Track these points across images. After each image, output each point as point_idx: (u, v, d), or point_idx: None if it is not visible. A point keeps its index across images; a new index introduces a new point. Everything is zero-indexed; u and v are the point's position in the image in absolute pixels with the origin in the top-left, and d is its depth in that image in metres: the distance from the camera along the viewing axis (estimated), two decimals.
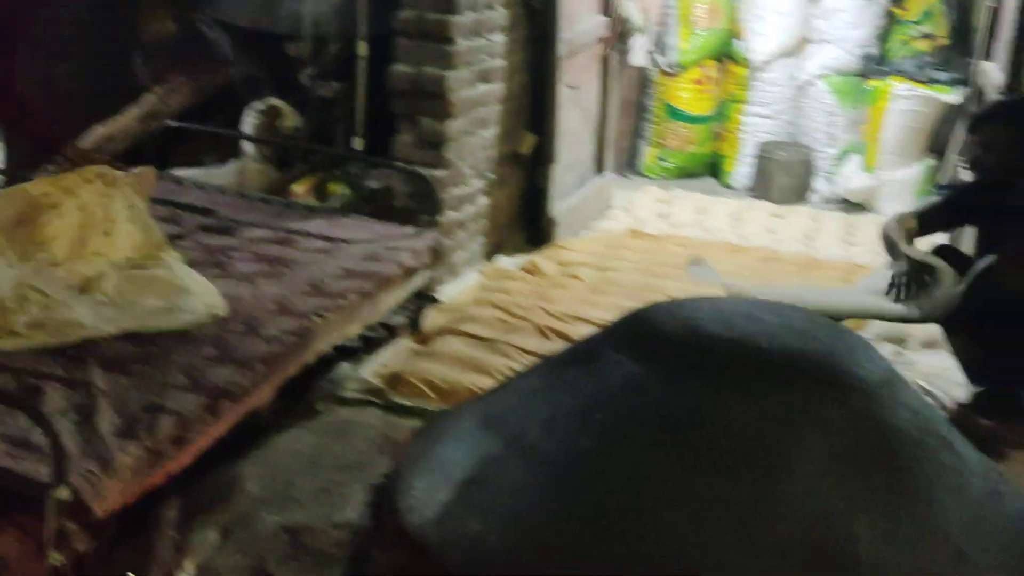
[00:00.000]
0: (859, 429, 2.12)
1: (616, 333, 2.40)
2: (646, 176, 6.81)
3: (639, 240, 5.37)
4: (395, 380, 3.53)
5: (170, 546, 2.54)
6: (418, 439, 2.53)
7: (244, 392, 2.68)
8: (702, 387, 2.16)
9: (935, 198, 3.90)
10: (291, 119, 4.81)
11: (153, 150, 4.42)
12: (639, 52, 6.09)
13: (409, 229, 3.90)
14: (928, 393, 3.74)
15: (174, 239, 3.51)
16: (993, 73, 4.82)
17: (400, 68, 4.17)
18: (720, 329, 2.27)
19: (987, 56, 5.11)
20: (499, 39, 4.51)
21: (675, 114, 6.68)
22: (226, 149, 4.91)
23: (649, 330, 2.34)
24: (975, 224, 3.78)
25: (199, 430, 2.49)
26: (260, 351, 2.80)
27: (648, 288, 4.45)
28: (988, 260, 3.37)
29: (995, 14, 5.03)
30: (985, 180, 3.55)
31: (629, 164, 6.87)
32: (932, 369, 3.97)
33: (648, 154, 6.84)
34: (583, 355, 2.41)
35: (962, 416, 3.48)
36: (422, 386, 3.48)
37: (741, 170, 6.69)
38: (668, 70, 6.60)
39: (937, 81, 6.02)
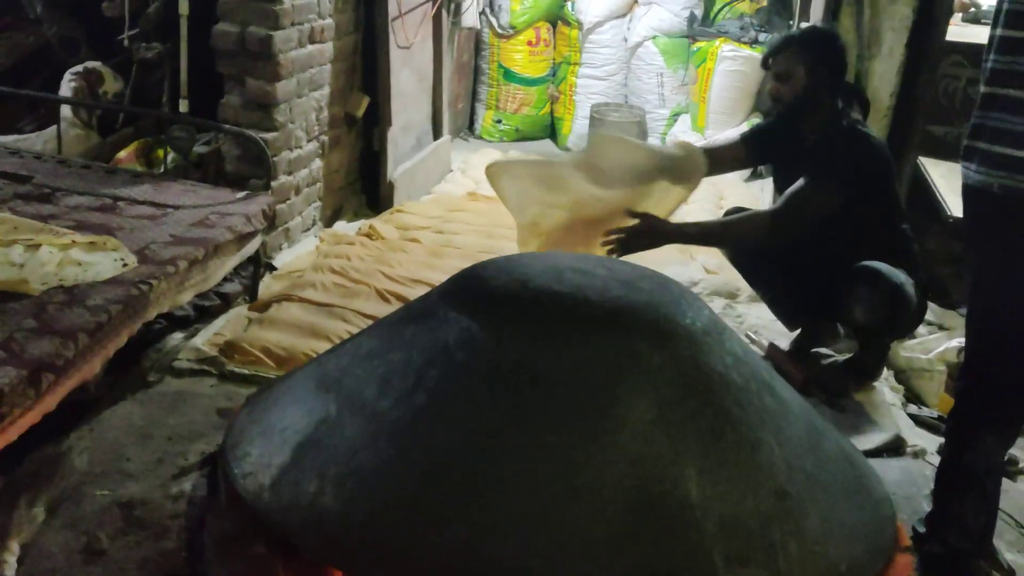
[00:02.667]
0: (685, 375, 2.18)
1: (450, 291, 2.41)
2: (484, 139, 6.84)
3: (477, 203, 5.39)
4: (230, 348, 3.45)
5: None
6: (252, 405, 2.48)
7: (68, 364, 2.56)
8: (532, 339, 2.19)
9: (748, 131, 3.94)
10: (112, 82, 4.62)
11: None
12: (471, 13, 6.09)
13: (240, 194, 3.81)
14: (753, 343, 3.90)
15: None
16: None
17: (224, 27, 4.04)
18: (550, 283, 2.31)
19: (805, 17, 5.31)
20: None
21: (510, 76, 6.73)
22: (44, 115, 4.69)
23: (481, 286, 2.36)
24: (772, 163, 3.87)
25: (18, 404, 2.38)
26: (83, 322, 2.68)
27: (487, 250, 4.47)
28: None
29: None
30: (784, 113, 3.60)
31: (467, 127, 6.89)
32: (760, 321, 4.14)
33: (485, 116, 6.87)
34: (418, 314, 2.41)
35: (782, 362, 3.63)
36: (258, 353, 3.42)
37: (577, 131, 6.78)
38: (501, 31, 6.63)
39: (760, 42, 6.22)
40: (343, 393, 2.26)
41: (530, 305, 2.26)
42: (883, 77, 4.49)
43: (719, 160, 3.69)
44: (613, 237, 3.31)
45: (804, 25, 4.81)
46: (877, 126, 4.35)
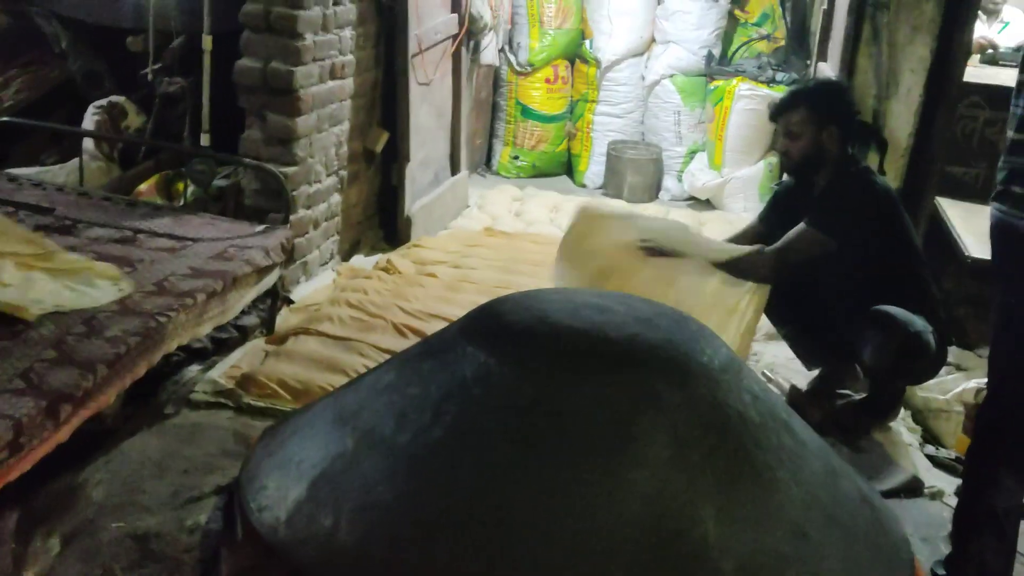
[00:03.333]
0: (702, 413, 2.18)
1: (468, 326, 2.41)
2: (501, 175, 6.87)
3: (494, 238, 5.41)
4: (247, 381, 3.46)
5: (8, 557, 2.44)
6: (269, 438, 2.49)
7: (86, 395, 2.58)
8: (549, 376, 2.19)
9: (763, 208, 3.99)
10: (134, 116, 4.67)
11: None
12: (490, 50, 6.14)
13: (259, 227, 3.83)
14: (770, 381, 3.89)
15: None
16: (828, 73, 5.03)
17: (246, 63, 4.09)
18: (567, 319, 2.31)
19: (822, 57, 5.33)
20: (348, 34, 4.47)
21: (527, 113, 6.76)
22: (66, 147, 4.74)
23: (499, 322, 2.36)
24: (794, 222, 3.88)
25: (37, 435, 2.39)
26: (102, 353, 2.70)
27: (503, 285, 4.47)
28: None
29: (829, 16, 5.25)
30: (793, 170, 3.65)
31: (484, 163, 6.92)
32: (776, 359, 4.13)
33: (502, 153, 6.90)
34: (436, 349, 2.41)
35: (800, 401, 3.62)
36: (275, 386, 3.42)
37: (593, 169, 6.81)
38: (519, 69, 6.67)
39: (777, 81, 6.23)
40: (360, 427, 2.26)
41: (547, 341, 2.27)
42: (901, 117, 4.50)
43: (752, 239, 3.74)
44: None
45: (815, 77, 4.82)
46: (895, 166, 4.36)
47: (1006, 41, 5.70)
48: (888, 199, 3.49)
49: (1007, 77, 5.10)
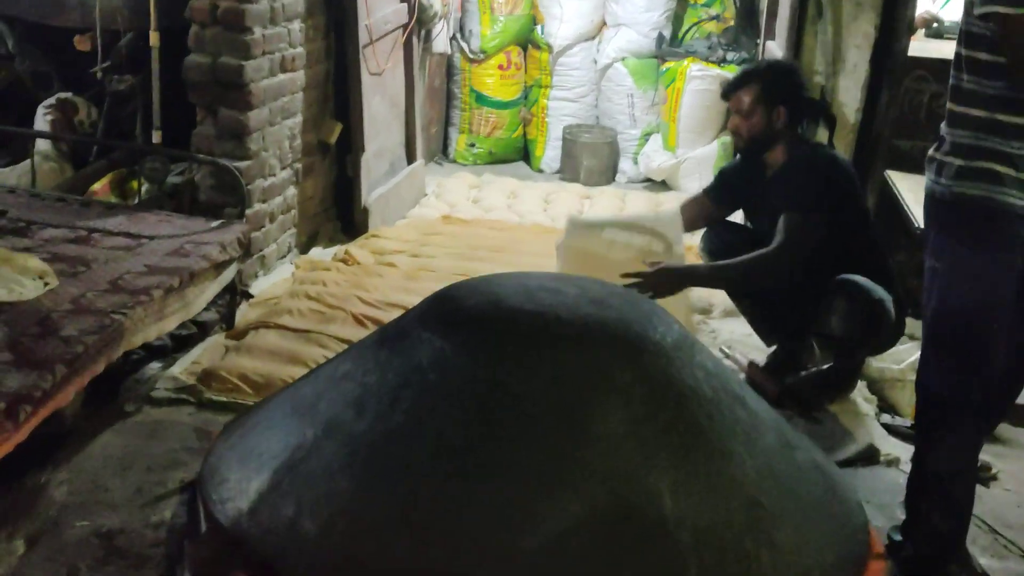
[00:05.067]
0: (655, 390, 2.22)
1: (424, 313, 2.44)
2: (457, 162, 6.88)
3: (452, 226, 5.42)
4: (208, 376, 3.46)
5: None
6: (229, 431, 2.50)
7: (45, 396, 2.57)
8: (504, 358, 2.22)
9: (709, 184, 4.01)
10: (86, 112, 4.64)
11: None
12: (442, 39, 6.14)
13: (215, 222, 3.83)
14: (728, 357, 3.94)
15: None
16: (776, 52, 5.09)
17: (196, 59, 4.07)
18: (521, 302, 2.34)
19: (770, 35, 5.38)
20: (298, 26, 4.46)
21: (482, 100, 6.78)
22: (16, 148, 4.70)
23: (455, 307, 2.39)
24: (742, 203, 3.90)
25: None
26: (59, 352, 2.70)
27: (462, 272, 4.47)
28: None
29: None
30: (743, 149, 3.68)
31: (440, 151, 6.93)
32: (734, 335, 4.19)
33: (458, 140, 6.92)
34: (392, 336, 2.44)
35: (757, 377, 3.67)
36: (236, 381, 3.42)
37: (550, 154, 6.83)
38: (472, 56, 6.68)
39: (728, 61, 6.29)
40: (319, 417, 2.28)
41: (502, 325, 2.30)
42: (848, 93, 4.55)
43: (688, 219, 3.78)
44: (631, 282, 3.32)
45: (765, 58, 4.87)
46: (844, 141, 4.41)
47: (949, 15, 5.78)
48: (847, 172, 3.56)
49: (952, 50, 5.18)
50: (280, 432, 2.31)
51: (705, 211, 3.85)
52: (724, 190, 3.83)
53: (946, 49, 5.13)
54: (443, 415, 2.17)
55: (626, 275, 3.34)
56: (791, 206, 3.42)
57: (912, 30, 4.54)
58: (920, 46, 5.18)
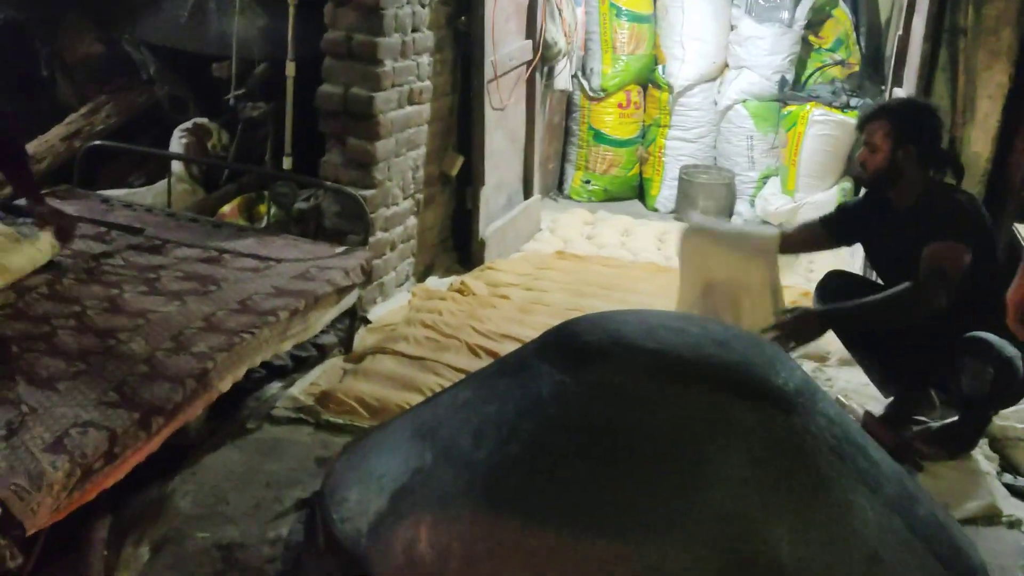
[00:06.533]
0: (777, 435, 2.20)
1: (544, 345, 2.46)
2: (572, 199, 6.92)
3: (566, 261, 5.45)
4: (325, 398, 3.54)
5: (101, 563, 2.53)
6: (350, 452, 2.56)
7: (176, 408, 2.68)
8: (624, 395, 2.23)
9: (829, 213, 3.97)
10: (219, 137, 4.82)
11: (80, 170, 4.39)
12: (564, 76, 6.20)
13: (339, 249, 3.93)
14: (844, 407, 3.87)
15: (103, 257, 3.50)
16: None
17: (328, 89, 4.20)
18: (643, 339, 2.35)
19: (898, 82, 5.30)
20: (426, 60, 4.57)
21: (599, 138, 6.81)
22: (154, 169, 4.90)
23: (575, 342, 2.41)
24: (862, 240, 3.84)
25: (130, 446, 2.49)
26: (190, 367, 2.80)
27: (575, 308, 4.52)
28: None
29: (904, 42, 5.22)
30: (868, 183, 3.64)
31: (556, 186, 6.98)
32: (850, 384, 4.11)
33: (574, 177, 6.95)
34: (512, 367, 2.47)
35: (874, 427, 3.60)
36: (353, 403, 3.50)
37: (665, 193, 6.83)
38: (592, 94, 6.73)
39: (851, 107, 6.21)
40: (439, 443, 2.32)
41: (622, 361, 2.31)
42: (978, 143, 4.47)
43: (792, 242, 3.79)
44: (775, 334, 3.28)
45: (901, 96, 4.81)
46: (972, 193, 4.32)
47: None
48: (985, 214, 3.49)
49: None
50: (400, 455, 2.35)
51: (817, 239, 3.83)
52: (843, 223, 3.77)
53: None
54: (561, 449, 2.19)
55: (766, 329, 3.30)
56: (937, 236, 3.30)
57: None
58: None
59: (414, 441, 2.38)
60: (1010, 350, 3.27)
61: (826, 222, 3.83)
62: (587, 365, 2.33)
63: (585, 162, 6.90)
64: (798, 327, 3.34)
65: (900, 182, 3.50)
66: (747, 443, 2.17)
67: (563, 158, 7.00)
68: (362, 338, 4.11)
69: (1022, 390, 3.42)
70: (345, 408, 3.48)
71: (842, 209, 3.91)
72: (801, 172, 6.30)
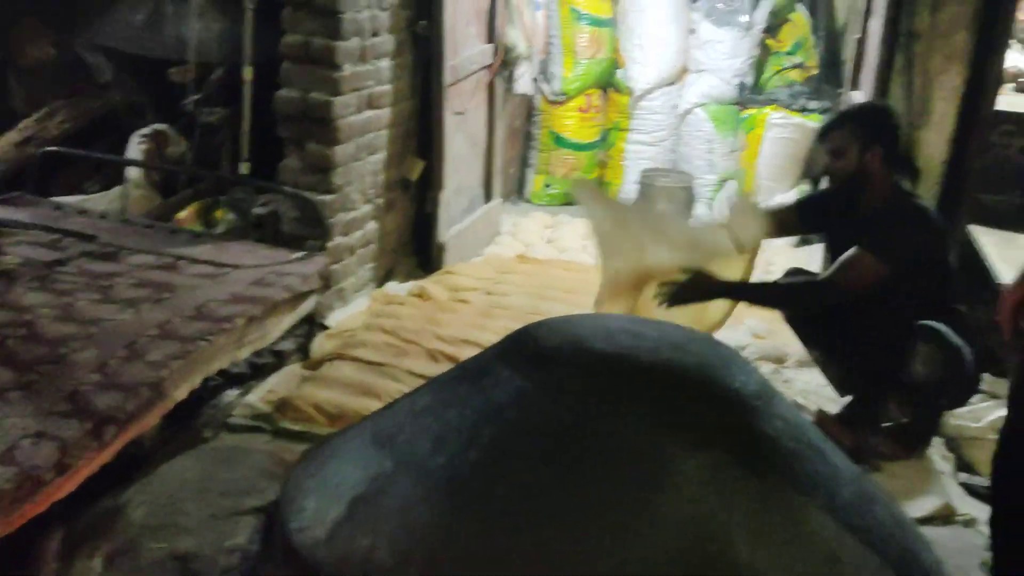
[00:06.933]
0: (735, 439, 2.20)
1: (504, 351, 2.45)
2: (533, 203, 6.92)
3: (527, 265, 5.45)
4: (283, 405, 3.51)
5: None
6: (308, 460, 2.53)
7: (129, 418, 2.64)
8: (584, 400, 2.22)
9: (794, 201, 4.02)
10: (176, 144, 4.77)
11: (35, 177, 4.32)
12: (524, 80, 6.20)
13: (297, 254, 3.90)
14: (802, 408, 3.89)
15: (55, 265, 3.45)
16: (859, 102, 5.04)
17: (286, 93, 4.17)
18: (602, 344, 2.35)
19: (855, 85, 5.35)
20: (386, 65, 4.55)
21: (560, 141, 6.81)
22: (109, 175, 4.84)
23: (535, 346, 2.40)
24: (826, 232, 3.89)
25: (82, 456, 2.45)
26: (144, 376, 2.77)
27: (536, 311, 4.50)
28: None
29: (861, 45, 5.28)
30: (839, 187, 3.65)
31: (517, 191, 6.98)
32: (808, 386, 4.14)
33: (535, 181, 6.95)
34: (472, 373, 2.45)
35: (831, 428, 3.62)
36: (311, 411, 3.47)
37: (625, 196, 6.84)
38: (553, 98, 6.73)
39: (809, 110, 6.26)
40: (398, 450, 2.30)
41: (582, 366, 2.30)
42: (933, 146, 4.51)
43: (771, 224, 3.76)
44: (664, 289, 3.37)
45: (860, 100, 4.85)
46: (927, 194, 4.36)
47: None
48: (939, 230, 3.55)
49: None
50: (358, 463, 2.33)
51: (788, 221, 3.87)
52: (813, 211, 3.82)
53: None
54: (521, 453, 2.18)
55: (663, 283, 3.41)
56: (866, 245, 3.41)
57: (1000, 84, 4.49)
58: (1008, 100, 5.12)
59: (373, 448, 2.36)
60: (959, 340, 3.32)
61: (800, 206, 3.91)
62: (547, 370, 2.32)
63: (546, 166, 6.90)
64: (689, 287, 3.44)
65: (868, 185, 3.54)
66: (706, 447, 2.16)
67: (524, 162, 7.00)
68: (321, 344, 4.08)
69: (972, 386, 3.47)
70: (303, 415, 3.45)
71: (815, 196, 3.97)
72: (759, 175, 6.33)
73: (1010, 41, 4.45)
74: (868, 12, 5.15)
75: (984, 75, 4.36)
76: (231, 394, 3.61)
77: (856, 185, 3.56)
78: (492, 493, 2.12)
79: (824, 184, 3.82)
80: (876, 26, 4.85)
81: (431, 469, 2.19)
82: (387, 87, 4.60)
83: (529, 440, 2.19)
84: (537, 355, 2.36)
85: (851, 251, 3.43)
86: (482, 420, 2.25)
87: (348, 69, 4.20)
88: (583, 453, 2.16)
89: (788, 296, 3.61)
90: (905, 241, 3.43)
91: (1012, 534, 2.56)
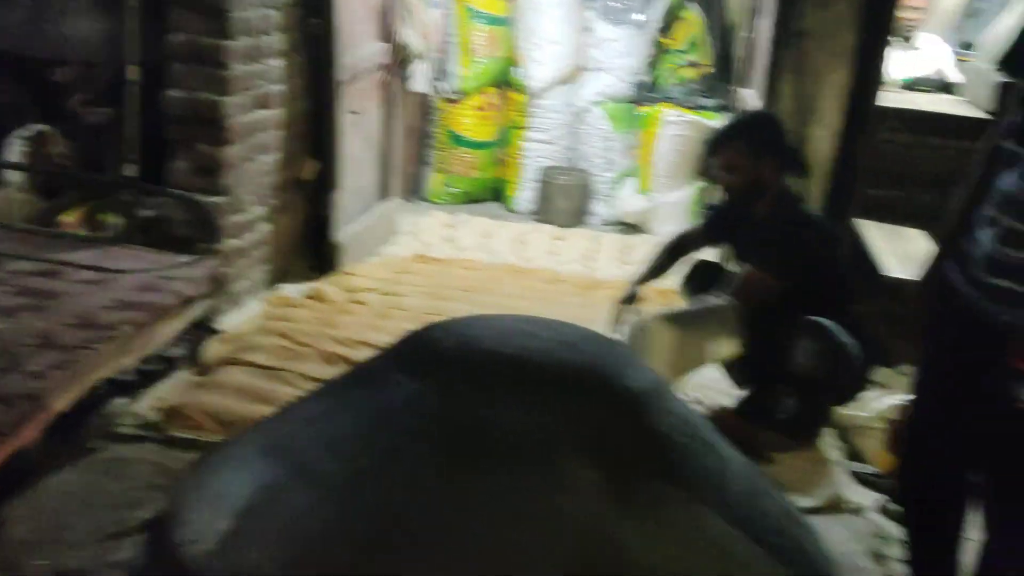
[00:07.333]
0: (627, 436, 2.20)
1: (396, 353, 2.42)
2: (432, 201, 6.89)
3: (425, 264, 5.42)
4: (174, 413, 3.42)
5: None
6: (195, 471, 2.46)
7: (7, 430, 2.54)
8: (478, 402, 2.19)
9: (699, 221, 4.11)
10: (59, 146, 4.61)
11: None
12: (420, 79, 6.16)
13: (186, 258, 3.81)
14: (699, 403, 3.94)
15: None
16: (751, 99, 5.13)
17: (173, 94, 4.07)
18: (495, 345, 2.33)
19: (745, 84, 5.44)
20: (277, 64, 4.47)
21: (458, 140, 6.80)
22: None
23: (428, 348, 2.37)
24: (730, 241, 3.99)
25: None
26: (23, 387, 2.66)
27: (434, 311, 4.48)
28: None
29: (751, 45, 5.37)
30: (735, 199, 3.73)
31: (415, 190, 6.93)
32: (704, 380, 4.18)
33: (433, 179, 6.92)
34: (365, 377, 2.41)
35: (726, 421, 3.67)
36: (201, 418, 3.39)
37: (524, 195, 6.85)
38: (450, 97, 6.71)
39: (703, 107, 6.35)
40: (288, 458, 2.25)
41: (476, 368, 2.28)
42: (821, 142, 4.61)
43: (689, 243, 3.96)
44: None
45: (749, 102, 4.93)
46: (817, 190, 4.46)
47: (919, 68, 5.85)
48: (825, 235, 3.64)
49: (924, 101, 5.27)
50: (248, 472, 2.27)
51: (700, 240, 4.00)
52: (717, 226, 3.93)
53: (920, 100, 5.24)
54: (415, 458, 2.14)
55: None
56: (757, 263, 3.53)
57: (883, 81, 4.60)
58: (896, 97, 5.26)
59: (263, 457, 2.30)
60: (845, 337, 3.40)
61: (705, 227, 4.00)
62: (440, 372, 2.29)
63: (444, 165, 6.87)
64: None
65: (762, 194, 3.61)
66: (597, 446, 2.16)
67: (422, 161, 6.96)
68: (213, 349, 3.99)
69: (860, 382, 3.55)
70: (193, 423, 3.37)
71: (714, 211, 4.04)
72: (656, 172, 6.40)
73: (889, 40, 4.55)
74: (757, 11, 5.24)
75: (868, 73, 4.47)
76: (119, 403, 3.51)
77: (752, 198, 3.63)
78: (386, 499, 2.08)
79: (719, 192, 3.88)
80: (765, 25, 4.94)
81: (323, 476, 2.15)
82: (279, 86, 4.52)
83: (421, 443, 2.16)
84: (430, 357, 2.33)
85: (745, 270, 3.54)
86: (375, 425, 2.21)
87: (238, 69, 4.12)
88: (477, 457, 2.14)
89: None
90: (792, 256, 3.53)
91: (917, 522, 2.63)
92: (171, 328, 3.52)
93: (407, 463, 2.13)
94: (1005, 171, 2.29)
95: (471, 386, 2.24)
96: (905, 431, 2.72)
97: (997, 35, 5.28)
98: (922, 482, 2.63)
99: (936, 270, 2.56)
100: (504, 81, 6.86)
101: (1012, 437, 2.29)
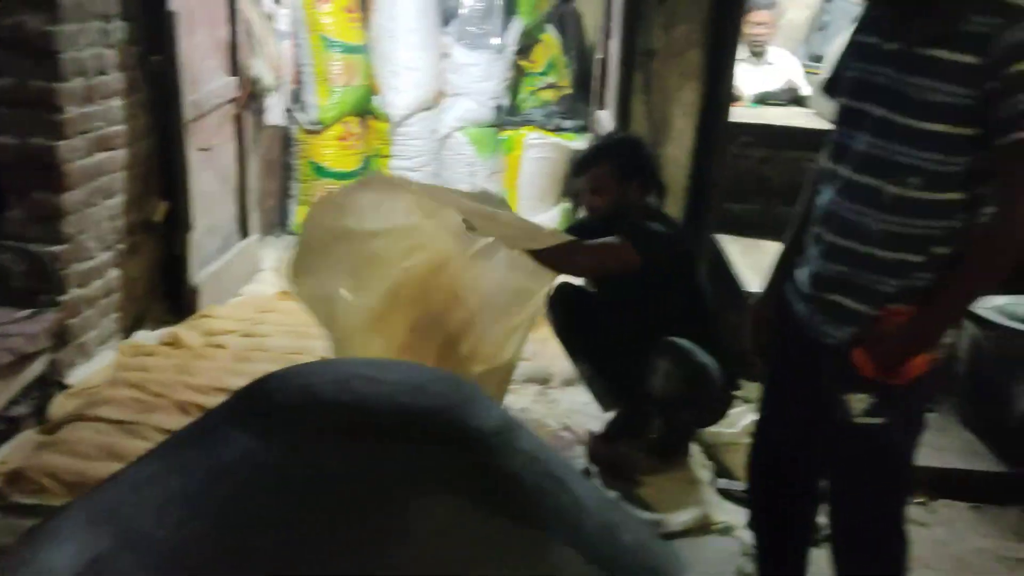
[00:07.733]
0: (476, 480, 2.14)
1: (231, 408, 2.31)
2: (297, 235, 6.74)
3: (289, 302, 5.27)
4: (16, 477, 3.25)
5: None
6: (21, 544, 2.31)
7: None
8: (317, 455, 2.11)
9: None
10: None
11: None
12: (275, 111, 6.04)
13: (23, 312, 3.62)
14: (568, 428, 3.92)
15: None
16: (606, 120, 5.16)
17: (3, 140, 3.88)
18: (335, 393, 2.24)
19: (601, 105, 5.47)
20: (117, 104, 4.31)
21: (321, 171, 6.68)
22: None
23: (264, 402, 2.27)
24: None
25: None
26: None
27: (298, 351, 4.38)
28: None
29: (603, 66, 5.40)
30: (601, 219, 3.71)
31: (279, 223, 6.79)
32: (574, 405, 4.17)
33: (298, 213, 6.78)
34: (198, 435, 2.30)
35: (595, 446, 3.66)
36: (46, 480, 3.23)
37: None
38: (309, 128, 6.59)
39: (564, 129, 6.38)
40: (118, 526, 2.12)
41: (314, 419, 2.19)
42: (677, 160, 4.65)
43: None
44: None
45: (608, 127, 4.95)
46: (675, 207, 4.49)
47: (772, 83, 5.98)
48: (684, 247, 3.67)
49: (776, 115, 5.38)
50: (74, 544, 2.13)
51: None
52: (580, 235, 3.84)
53: (770, 114, 5.34)
54: (252, 517, 2.04)
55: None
56: (626, 234, 3.46)
57: (732, 99, 4.67)
58: (747, 112, 5.37)
59: (90, 527, 2.17)
60: (703, 358, 3.41)
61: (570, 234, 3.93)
62: (278, 427, 2.19)
63: (308, 197, 6.74)
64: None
65: (628, 214, 3.62)
66: (446, 492, 2.10)
67: (285, 194, 6.82)
68: (60, 405, 3.81)
69: (723, 400, 3.57)
70: (36, 487, 3.20)
71: (581, 226, 4.00)
72: (522, 195, 6.42)
73: (735, 59, 4.63)
74: (608, 32, 5.28)
75: (717, 90, 4.53)
76: None
77: (616, 216, 3.62)
78: (218, 563, 1.98)
79: (584, 213, 3.87)
80: (615, 46, 4.97)
81: (152, 544, 2.03)
82: (121, 127, 4.36)
83: (261, 502, 2.06)
84: (267, 410, 2.23)
85: (611, 237, 3.46)
86: (209, 486, 2.10)
87: (73, 111, 3.95)
88: (320, 511, 2.05)
89: (546, 258, 3.43)
90: (656, 235, 3.53)
91: (765, 533, 2.64)
92: (9, 387, 3.34)
93: (243, 524, 2.03)
94: (825, 187, 2.35)
95: (311, 439, 2.15)
96: (752, 443, 2.73)
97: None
98: (770, 493, 2.64)
99: (773, 286, 2.59)
100: (365, 110, 6.78)
101: (850, 451, 2.33)
